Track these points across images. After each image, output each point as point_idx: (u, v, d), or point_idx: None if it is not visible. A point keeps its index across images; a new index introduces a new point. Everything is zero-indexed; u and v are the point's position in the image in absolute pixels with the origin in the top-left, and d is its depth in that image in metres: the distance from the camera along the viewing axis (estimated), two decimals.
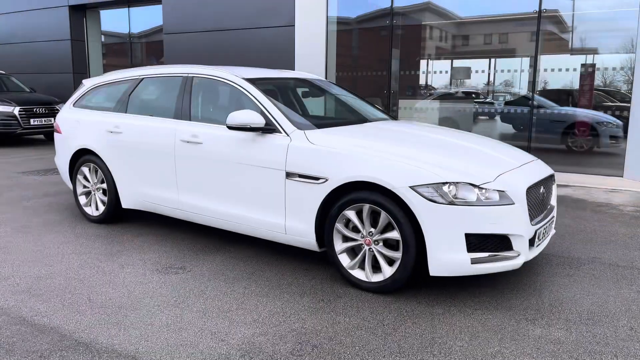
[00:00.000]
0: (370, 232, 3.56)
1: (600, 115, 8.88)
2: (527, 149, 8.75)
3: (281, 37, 10.13)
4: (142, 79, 5.08)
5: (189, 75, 4.68)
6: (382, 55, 9.81)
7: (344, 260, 3.69)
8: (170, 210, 4.69)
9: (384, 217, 3.46)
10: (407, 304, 3.42)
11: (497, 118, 9.78)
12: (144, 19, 13.44)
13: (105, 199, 5.16)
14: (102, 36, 14.25)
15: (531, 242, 3.55)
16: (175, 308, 3.34)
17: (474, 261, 3.31)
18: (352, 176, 3.52)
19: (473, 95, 10.17)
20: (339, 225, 3.65)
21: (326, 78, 10.12)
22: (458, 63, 10.21)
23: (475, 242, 3.33)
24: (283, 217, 3.91)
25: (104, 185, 5.15)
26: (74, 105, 5.61)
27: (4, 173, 8.19)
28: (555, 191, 4.16)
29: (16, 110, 11.27)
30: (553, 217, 3.97)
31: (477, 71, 9.89)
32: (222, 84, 4.46)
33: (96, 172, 5.23)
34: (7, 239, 4.72)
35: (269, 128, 4.00)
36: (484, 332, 3.03)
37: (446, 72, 10.35)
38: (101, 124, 5.13)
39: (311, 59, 10.01)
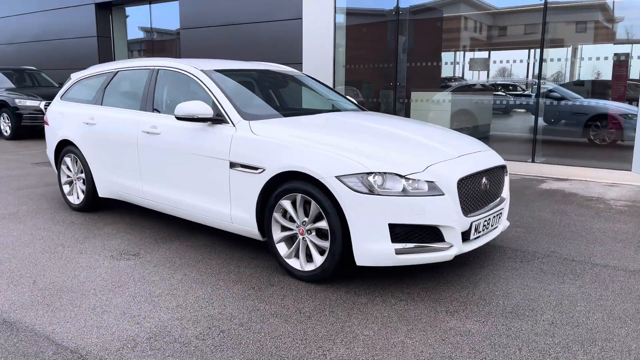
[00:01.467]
0: (304, 221, 3.58)
1: (625, 107, 8.51)
2: (533, 142, 8.50)
3: (289, 30, 10.18)
4: (117, 71, 5.24)
5: (155, 67, 4.81)
6: (392, 46, 9.71)
7: (282, 249, 3.73)
8: (137, 199, 4.84)
9: (314, 207, 3.48)
10: (335, 292, 3.43)
11: (520, 110, 9.51)
12: (174, 16, 13.63)
13: (85, 188, 5.37)
14: (143, 32, 14.59)
15: (467, 235, 3.50)
16: (110, 292, 3.47)
17: (399, 252, 3.29)
18: (285, 166, 3.55)
19: (512, 88, 9.86)
20: (276, 215, 3.69)
21: (334, 71, 10.11)
22: (476, 54, 9.98)
23: (402, 232, 3.30)
24: (229, 207, 3.98)
25: (84, 175, 5.35)
26: (61, 98, 5.85)
27: (19, 164, 8.60)
28: (507, 183, 4.06)
29: (42, 105, 11.77)
30: (502, 209, 3.88)
31: (499, 61, 9.61)
32: (183, 76, 4.56)
33: (76, 162, 5.44)
34: None
35: (218, 118, 4.07)
36: (397, 323, 3.02)
37: (461, 63, 10.16)
38: (79, 116, 5.33)
39: (319, 51, 10.03)
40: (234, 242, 4.47)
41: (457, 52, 10.04)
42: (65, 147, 5.55)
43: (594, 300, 3.31)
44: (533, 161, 8.41)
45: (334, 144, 3.55)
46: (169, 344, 2.79)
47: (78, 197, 5.49)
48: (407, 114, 10.18)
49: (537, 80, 8.63)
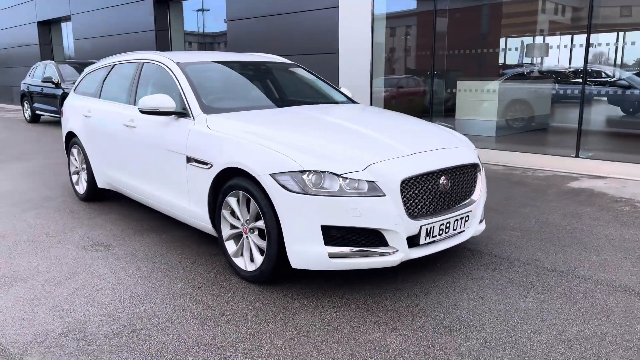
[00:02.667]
0: (247, 220, 3.46)
1: None
2: (578, 136, 7.77)
3: (325, 19, 9.98)
4: (114, 65, 5.34)
5: (141, 61, 4.84)
6: (437, 34, 9.24)
7: (230, 247, 3.63)
8: (125, 191, 4.91)
9: (253, 205, 3.34)
10: (271, 295, 3.28)
11: (600, 99, 8.73)
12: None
13: (87, 178, 5.53)
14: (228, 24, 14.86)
15: (416, 240, 3.22)
16: (57, 284, 3.52)
17: (333, 255, 3.08)
18: (228, 162, 3.43)
19: (577, 74, 9.07)
20: (224, 212, 3.59)
21: (372, 61, 9.77)
22: (533, 40, 9.28)
23: (337, 235, 3.09)
24: (188, 201, 3.93)
25: (86, 166, 5.52)
26: (74, 91, 6.05)
27: (58, 154, 9.05)
28: (480, 183, 3.70)
29: None
30: (469, 212, 3.54)
31: (562, 46, 8.86)
32: (161, 69, 4.54)
33: (80, 153, 5.62)
34: None
35: (182, 112, 4.02)
36: (315, 332, 2.83)
37: (507, 49, 9.52)
38: (81, 108, 5.49)
39: (355, 40, 9.75)
40: (207, 237, 4.42)
41: (509, 38, 9.41)
42: (72, 139, 5.74)
43: (550, 318, 2.94)
44: (577, 156, 7.69)
45: (280, 139, 3.37)
46: (75, 342, 2.78)
47: (83, 188, 5.67)
48: (452, 104, 9.73)
49: (611, 67, 7.91)
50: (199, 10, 14.93)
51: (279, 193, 3.12)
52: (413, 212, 3.19)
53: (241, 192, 3.40)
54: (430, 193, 3.29)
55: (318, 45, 10.15)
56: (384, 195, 3.08)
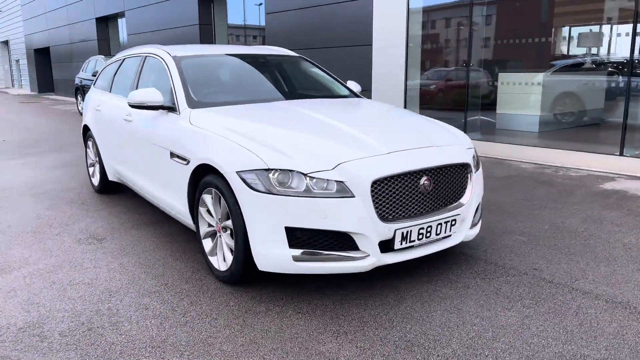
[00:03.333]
0: (220, 218, 3.36)
1: None
2: (622, 132, 7.17)
3: (360, 10, 9.74)
4: (124, 59, 5.37)
5: (144, 55, 4.83)
6: (473, 25, 8.83)
7: (207, 245, 3.54)
8: (127, 183, 4.94)
9: (223, 203, 3.24)
10: (240, 297, 3.17)
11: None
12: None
13: (99, 171, 5.62)
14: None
15: (390, 244, 3.01)
16: (39, 277, 3.55)
17: (298, 259, 2.93)
18: (201, 158, 3.34)
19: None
20: (201, 209, 3.51)
21: (407, 54, 9.46)
22: (583, 29, 8.69)
23: (303, 237, 2.93)
24: (172, 196, 3.87)
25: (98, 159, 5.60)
26: (94, 85, 6.16)
27: None
28: (471, 184, 3.42)
29: None
30: (456, 215, 3.28)
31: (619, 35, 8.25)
32: (159, 63, 4.50)
33: (94, 146, 5.71)
34: (11, 204, 5.43)
35: (170, 106, 3.97)
36: (269, 339, 2.69)
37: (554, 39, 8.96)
38: (94, 102, 5.58)
39: (390, 32, 9.46)
40: None
41: (553, 28, 8.85)
42: (87, 132, 5.84)
43: (528, 336, 2.66)
44: (622, 154, 7.12)
45: (253, 136, 3.24)
46: (30, 337, 2.77)
47: (97, 180, 5.76)
48: (493, 98, 9.29)
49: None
50: (259, 4, 14.97)
51: (244, 191, 2.99)
52: (387, 214, 2.99)
53: (214, 190, 3.30)
54: (408, 195, 3.07)
55: (352, 38, 9.93)
56: (353, 196, 2.89)
